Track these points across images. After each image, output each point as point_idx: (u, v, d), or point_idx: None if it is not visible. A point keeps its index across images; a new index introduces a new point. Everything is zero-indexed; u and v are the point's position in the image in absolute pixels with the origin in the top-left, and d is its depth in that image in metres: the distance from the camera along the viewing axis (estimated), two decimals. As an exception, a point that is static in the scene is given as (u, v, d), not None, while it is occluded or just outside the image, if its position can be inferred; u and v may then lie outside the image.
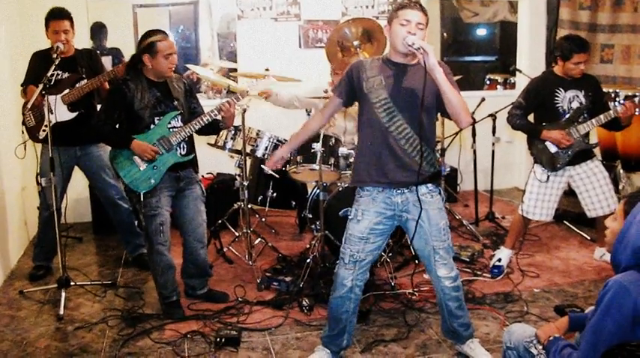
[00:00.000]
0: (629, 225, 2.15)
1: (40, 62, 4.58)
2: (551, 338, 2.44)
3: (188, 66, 5.33)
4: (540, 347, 2.49)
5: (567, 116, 4.52)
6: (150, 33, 3.92)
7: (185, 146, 4.09)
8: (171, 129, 4.01)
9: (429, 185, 3.24)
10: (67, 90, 4.54)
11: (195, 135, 4.13)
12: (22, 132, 4.63)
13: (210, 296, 4.38)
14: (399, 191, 3.22)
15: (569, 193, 5.45)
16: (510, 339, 2.65)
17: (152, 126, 3.96)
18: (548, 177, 4.60)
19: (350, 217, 3.34)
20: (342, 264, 3.33)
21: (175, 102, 4.04)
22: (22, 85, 4.69)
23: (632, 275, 2.09)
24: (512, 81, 7.56)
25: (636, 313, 2.03)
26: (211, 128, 4.22)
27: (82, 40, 5.66)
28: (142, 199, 3.95)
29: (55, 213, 4.31)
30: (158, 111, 3.97)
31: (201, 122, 4.03)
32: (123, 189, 4.04)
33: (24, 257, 5.37)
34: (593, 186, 4.60)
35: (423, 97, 3.03)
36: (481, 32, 8.83)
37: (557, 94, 4.53)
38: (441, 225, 3.27)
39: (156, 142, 3.95)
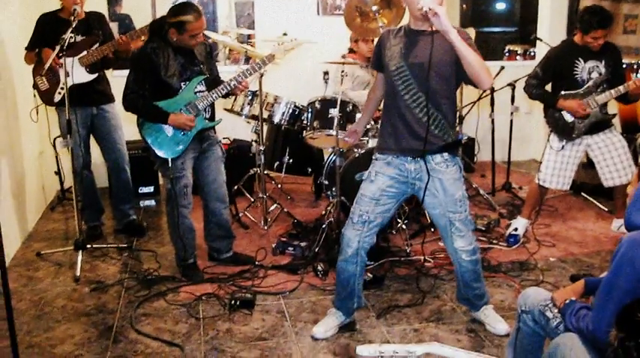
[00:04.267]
0: None
1: (47, 24, 4.57)
2: (567, 300, 2.42)
3: (207, 33, 5.28)
4: (556, 310, 2.47)
5: (586, 86, 4.45)
6: (183, 9, 3.83)
7: (210, 110, 4.09)
8: (197, 94, 4.00)
9: (445, 154, 3.19)
10: (84, 52, 4.54)
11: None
12: (34, 96, 4.65)
13: (236, 259, 4.40)
14: (413, 159, 3.19)
15: (587, 165, 5.41)
16: (525, 303, 2.63)
17: (180, 91, 3.95)
18: (563, 146, 4.55)
19: (364, 178, 3.33)
20: (351, 223, 3.31)
21: (200, 67, 4.03)
22: (26, 48, 4.66)
23: None
24: (532, 52, 7.45)
25: None
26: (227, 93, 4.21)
27: (99, 5, 5.65)
28: (169, 163, 3.95)
29: (76, 173, 4.42)
30: (184, 77, 3.96)
31: (228, 87, 4.04)
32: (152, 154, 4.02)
33: (41, 220, 5.42)
34: (612, 156, 4.55)
35: (430, 61, 3.00)
36: (501, 3, 8.70)
37: (576, 64, 4.46)
38: (456, 196, 3.22)
39: (183, 108, 3.95)
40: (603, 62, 4.46)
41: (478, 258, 3.40)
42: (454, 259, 3.40)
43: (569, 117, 4.49)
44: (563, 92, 4.50)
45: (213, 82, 4.12)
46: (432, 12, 2.87)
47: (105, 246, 4.73)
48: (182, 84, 3.95)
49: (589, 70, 4.46)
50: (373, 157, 3.35)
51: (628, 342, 1.69)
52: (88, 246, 4.45)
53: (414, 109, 3.13)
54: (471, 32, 5.27)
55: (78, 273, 4.18)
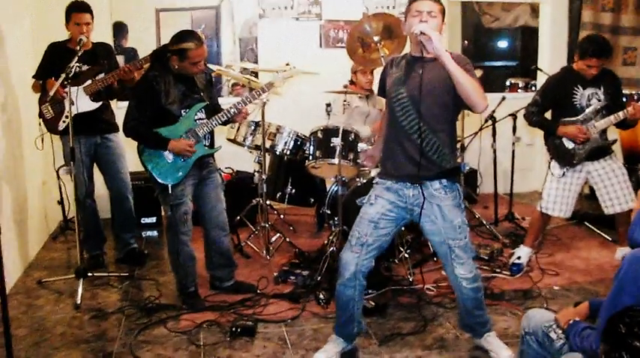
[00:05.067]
0: None
1: (56, 54, 4.62)
2: (571, 321, 2.41)
3: (210, 66, 5.33)
4: (560, 331, 2.45)
5: (585, 113, 4.48)
6: (184, 37, 3.88)
7: (209, 138, 4.12)
8: (197, 121, 4.03)
9: (444, 180, 3.19)
10: (89, 82, 4.59)
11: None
12: (40, 125, 4.69)
13: (238, 287, 4.37)
14: (412, 184, 3.19)
15: (590, 197, 5.41)
16: (529, 324, 2.61)
17: (180, 118, 3.98)
18: (564, 173, 4.56)
19: (364, 201, 3.34)
20: (349, 246, 3.30)
21: (200, 95, 4.07)
22: (33, 77, 4.71)
23: None
24: (533, 84, 7.51)
25: None
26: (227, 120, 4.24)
27: (104, 38, 5.72)
28: (169, 190, 3.96)
29: (79, 201, 4.42)
30: (185, 104, 4.00)
31: (228, 114, 4.06)
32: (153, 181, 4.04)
33: (43, 249, 5.41)
34: (612, 183, 4.55)
35: (421, 87, 3.04)
36: (502, 38, 8.80)
37: (575, 91, 4.49)
38: (455, 222, 3.20)
39: (183, 135, 3.97)
40: (602, 89, 4.49)
41: (480, 286, 3.38)
42: (455, 287, 3.38)
43: (569, 144, 4.51)
44: (562, 119, 4.52)
45: (213, 110, 4.15)
46: (426, 37, 2.93)
47: (106, 274, 4.71)
48: (182, 111, 3.99)
49: (588, 96, 4.49)
50: (374, 181, 3.38)
51: (613, 354, 1.67)
52: (89, 274, 4.43)
53: (412, 135, 3.15)
54: (478, 73, 5.31)
55: (78, 301, 4.15)
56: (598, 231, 5.58)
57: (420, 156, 3.11)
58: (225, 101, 5.91)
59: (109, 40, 6.00)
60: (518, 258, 4.71)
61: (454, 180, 3.25)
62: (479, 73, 5.45)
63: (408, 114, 3.15)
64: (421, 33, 2.95)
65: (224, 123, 4.25)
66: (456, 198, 3.23)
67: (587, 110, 4.47)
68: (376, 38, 4.70)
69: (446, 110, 3.15)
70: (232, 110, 4.08)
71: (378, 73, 5.35)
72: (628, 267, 2.06)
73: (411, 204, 3.22)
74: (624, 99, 4.71)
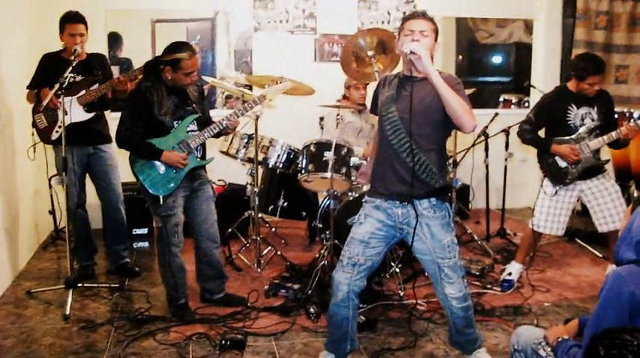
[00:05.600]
0: (632, 221, 2.14)
1: (50, 64, 4.63)
2: (559, 339, 2.41)
3: (204, 78, 5.35)
4: (549, 348, 2.46)
5: (578, 132, 4.50)
6: (177, 47, 3.90)
7: (201, 149, 4.12)
8: (189, 133, 4.03)
9: (433, 199, 3.18)
10: (83, 92, 4.59)
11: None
12: (32, 134, 4.68)
13: (228, 300, 4.36)
14: (401, 203, 3.19)
15: (582, 213, 5.42)
16: (518, 341, 2.62)
17: (172, 130, 3.99)
18: (557, 191, 4.58)
19: (354, 221, 3.34)
20: (340, 266, 3.29)
21: (193, 106, 4.08)
22: (27, 87, 4.71)
23: (631, 268, 2.09)
24: (526, 101, 7.54)
25: (633, 303, 2.01)
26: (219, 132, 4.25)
27: (99, 49, 5.73)
28: (160, 201, 3.96)
29: (70, 211, 4.41)
30: (177, 116, 4.01)
31: (220, 126, 4.08)
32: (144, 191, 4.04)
33: (33, 259, 5.38)
34: (605, 201, 4.56)
35: (411, 106, 3.05)
36: (496, 53, 8.84)
37: (569, 111, 4.52)
38: (444, 241, 3.19)
39: (175, 146, 3.98)
40: (596, 109, 4.52)
41: (469, 305, 3.36)
42: (445, 306, 3.37)
43: (562, 163, 4.53)
44: (556, 138, 4.54)
45: (205, 122, 4.16)
46: (416, 56, 2.94)
47: (96, 285, 4.69)
48: (175, 122, 4.00)
49: (582, 116, 4.51)
50: (363, 200, 3.38)
51: None
52: (79, 284, 4.40)
53: (401, 154, 3.15)
54: (470, 91, 5.32)
55: (68, 312, 4.13)
56: (589, 248, 5.59)
57: (411, 175, 3.11)
58: (219, 113, 5.93)
59: (103, 50, 6.01)
60: (509, 274, 4.72)
61: (443, 199, 3.24)
62: (472, 90, 5.47)
63: (398, 133, 3.15)
64: (411, 52, 2.96)
65: (216, 136, 4.26)
66: (445, 218, 3.22)
67: (581, 129, 4.49)
68: (370, 53, 4.71)
69: (436, 129, 3.14)
70: (224, 122, 4.09)
71: (371, 88, 5.40)
72: (611, 285, 2.07)
73: (400, 223, 3.22)
74: (616, 117, 4.74)
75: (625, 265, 2.11)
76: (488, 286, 4.66)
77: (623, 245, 2.14)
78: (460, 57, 9.25)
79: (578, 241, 5.76)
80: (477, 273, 4.85)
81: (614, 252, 2.20)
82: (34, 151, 4.77)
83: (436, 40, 3.14)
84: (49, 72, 4.55)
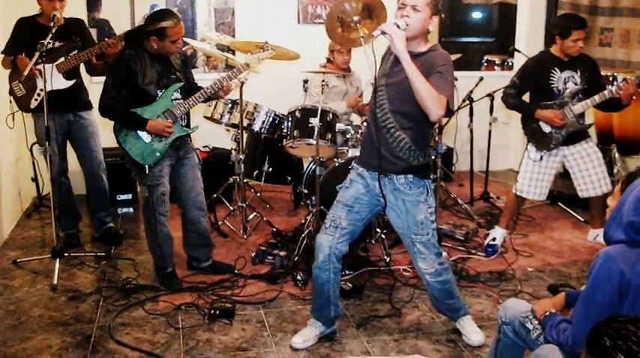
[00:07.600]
0: (623, 202, 2.16)
1: (26, 29, 4.52)
2: (547, 313, 2.45)
3: (185, 39, 5.25)
4: (536, 322, 2.50)
5: (562, 96, 4.52)
6: (162, 16, 3.84)
7: (185, 118, 4.08)
8: (174, 101, 3.99)
9: (410, 176, 3.19)
10: (62, 59, 4.49)
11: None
12: (10, 102, 4.59)
13: (215, 267, 4.38)
14: (377, 176, 3.21)
15: (564, 175, 5.47)
16: (506, 314, 2.65)
17: (157, 99, 3.94)
18: (542, 156, 4.61)
19: (341, 185, 3.39)
20: (324, 228, 3.35)
21: (176, 75, 4.03)
22: (2, 52, 4.61)
23: (621, 248, 2.11)
24: (510, 62, 7.52)
25: (622, 283, 2.05)
26: (206, 99, 4.20)
27: (77, 11, 5.60)
28: (146, 170, 3.93)
29: (54, 181, 4.36)
30: (161, 84, 3.96)
31: (204, 95, 4.04)
32: (127, 160, 3.99)
33: (17, 228, 5.34)
34: (587, 167, 4.62)
35: (394, 80, 3.08)
36: (478, 12, 8.76)
37: (552, 74, 4.53)
38: (418, 218, 3.22)
39: (160, 115, 3.94)
40: (578, 72, 4.54)
41: (446, 279, 3.40)
42: (421, 276, 3.44)
43: (546, 128, 4.55)
44: (540, 102, 4.56)
45: (190, 89, 4.11)
46: (387, 36, 2.87)
47: (82, 254, 4.68)
48: (159, 91, 3.95)
49: (564, 79, 4.53)
50: (350, 166, 3.43)
51: None
52: (66, 254, 4.39)
53: (382, 129, 3.16)
54: (456, 56, 5.28)
55: (55, 282, 4.12)
56: (571, 212, 5.66)
57: (387, 152, 3.15)
58: (204, 76, 5.87)
59: (82, 12, 5.87)
60: (493, 239, 4.77)
61: (422, 177, 3.24)
62: (458, 55, 5.44)
63: (382, 107, 3.17)
64: (382, 32, 2.89)
65: (205, 101, 4.23)
66: (422, 194, 3.23)
67: (564, 94, 4.51)
68: (356, 18, 4.64)
69: (418, 109, 3.02)
70: (209, 90, 4.05)
71: (354, 52, 5.37)
72: (601, 265, 2.10)
73: (376, 195, 3.26)
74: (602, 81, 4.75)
75: (615, 245, 2.14)
76: (473, 251, 4.72)
77: (614, 225, 2.17)
78: (442, 15, 9.17)
79: (560, 205, 5.82)
80: (462, 238, 4.90)
81: (604, 231, 2.23)
82: (13, 119, 4.67)
83: (434, 13, 3.06)
84: (24, 37, 4.44)
